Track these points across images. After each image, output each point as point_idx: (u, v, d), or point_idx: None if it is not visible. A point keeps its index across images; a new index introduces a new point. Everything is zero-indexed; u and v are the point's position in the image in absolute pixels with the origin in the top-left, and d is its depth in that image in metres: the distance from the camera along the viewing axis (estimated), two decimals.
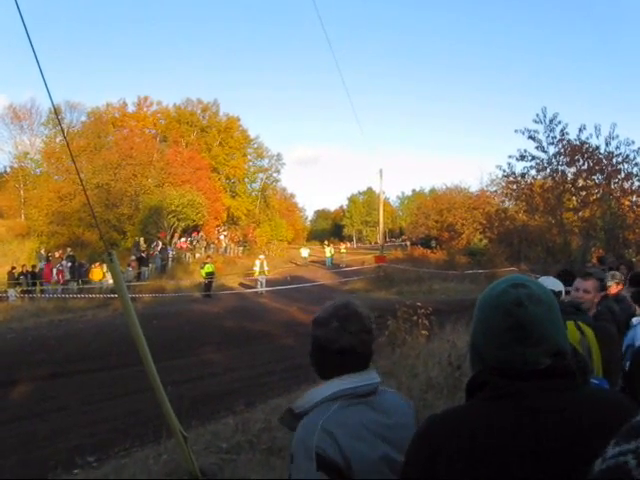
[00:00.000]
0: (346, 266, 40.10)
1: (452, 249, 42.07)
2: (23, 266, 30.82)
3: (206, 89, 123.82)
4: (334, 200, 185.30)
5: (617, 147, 25.15)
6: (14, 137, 50.37)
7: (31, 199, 45.02)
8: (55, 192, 42.60)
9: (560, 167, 26.58)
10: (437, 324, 12.19)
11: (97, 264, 29.31)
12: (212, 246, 44.60)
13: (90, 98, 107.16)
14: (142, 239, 37.88)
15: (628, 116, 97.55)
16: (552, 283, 4.59)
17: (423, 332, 11.66)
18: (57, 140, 47.72)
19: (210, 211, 46.60)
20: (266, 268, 30.47)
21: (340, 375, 2.08)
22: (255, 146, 63.06)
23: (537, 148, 26.14)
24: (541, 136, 25.85)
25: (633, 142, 24.88)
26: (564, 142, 25.90)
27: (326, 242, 51.41)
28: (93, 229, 39.70)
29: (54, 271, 30.55)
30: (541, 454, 1.35)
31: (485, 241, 36.83)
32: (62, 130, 51.76)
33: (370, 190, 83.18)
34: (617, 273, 7.22)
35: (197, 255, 39.76)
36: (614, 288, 6.65)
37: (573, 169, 26.64)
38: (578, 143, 25.85)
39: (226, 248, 46.67)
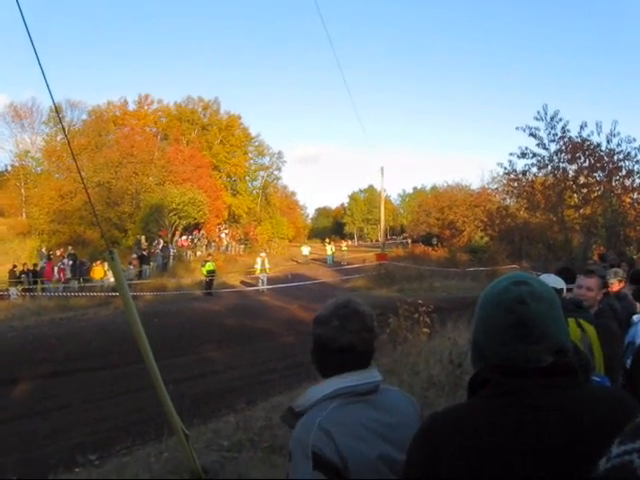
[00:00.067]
0: (347, 264, 40.06)
1: (453, 247, 41.99)
2: (24, 264, 30.83)
3: (207, 87, 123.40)
4: (335, 198, 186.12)
5: (618, 144, 25.18)
6: (15, 135, 50.44)
7: (32, 197, 45.05)
8: (56, 190, 42.61)
9: (561, 164, 26.61)
10: (438, 322, 12.20)
11: (98, 262, 29.30)
12: (213, 244, 44.58)
13: (91, 96, 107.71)
14: (143, 237, 37.85)
15: (629, 113, 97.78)
16: (553, 280, 4.58)
17: (424, 330, 11.66)
18: (58, 138, 47.73)
19: (211, 209, 46.56)
20: (267, 266, 30.51)
21: (341, 373, 2.07)
22: (256, 144, 63.01)
23: (538, 145, 26.17)
24: (542, 133, 25.88)
25: (634, 139, 24.92)
26: (565, 139, 25.91)
27: (327, 240, 51.41)
28: (94, 227, 39.68)
29: (55, 269, 30.53)
30: (543, 452, 1.35)
31: (486, 239, 36.86)
32: (63, 128, 51.70)
33: (371, 188, 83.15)
34: (620, 270, 7.21)
35: (198, 253, 39.75)
36: (616, 285, 6.64)
37: (574, 166, 26.66)
38: (579, 140, 25.86)
39: (227, 246, 46.69)
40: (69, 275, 30.26)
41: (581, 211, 26.95)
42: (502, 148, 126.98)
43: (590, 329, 4.05)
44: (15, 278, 28.62)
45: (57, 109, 39.19)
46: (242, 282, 32.30)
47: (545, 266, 22.53)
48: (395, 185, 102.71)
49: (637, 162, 25.05)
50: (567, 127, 25.68)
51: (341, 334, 2.08)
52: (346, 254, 46.52)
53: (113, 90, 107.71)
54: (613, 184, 25.99)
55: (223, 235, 48.39)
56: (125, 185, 43.66)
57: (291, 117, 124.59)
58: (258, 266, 30.25)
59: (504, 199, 35.53)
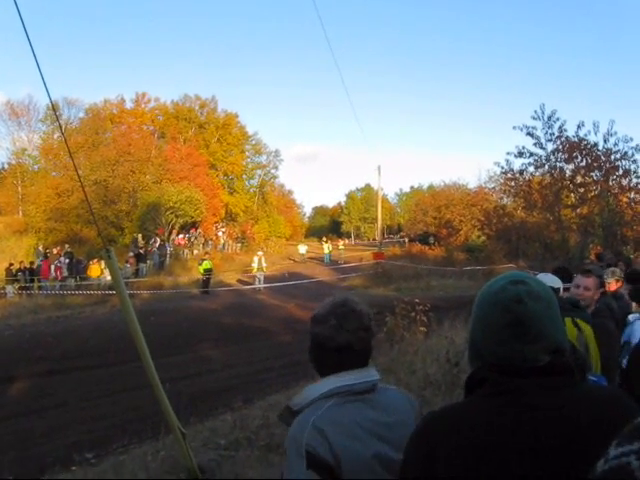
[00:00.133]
0: (344, 262, 40.08)
1: (450, 246, 42.06)
2: (21, 262, 30.73)
3: (204, 85, 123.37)
4: (332, 197, 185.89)
5: (615, 144, 25.32)
6: (12, 133, 50.20)
7: (29, 195, 44.90)
8: (53, 188, 42.46)
9: (558, 164, 26.71)
10: (435, 321, 12.20)
11: (95, 260, 29.24)
12: (210, 243, 44.51)
13: (88, 94, 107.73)
14: (140, 236, 37.75)
15: (627, 113, 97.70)
16: (550, 280, 4.58)
17: (421, 329, 11.66)
18: (55, 136, 47.56)
19: (208, 207, 46.48)
20: (264, 265, 30.49)
21: (338, 372, 2.07)
22: (253, 143, 62.80)
23: (535, 145, 26.32)
24: (539, 133, 26.03)
25: (631, 139, 25.06)
26: (562, 139, 26.02)
27: (324, 239, 51.32)
28: (91, 225, 39.55)
29: (52, 267, 30.47)
30: (540, 451, 1.35)
31: (483, 238, 36.97)
32: (60, 126, 51.72)
33: (368, 187, 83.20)
34: (617, 270, 7.21)
35: (195, 252, 39.68)
36: (614, 285, 6.66)
37: (571, 166, 26.76)
38: (576, 140, 25.96)
39: (224, 245, 46.63)
40: (66, 273, 30.20)
41: (578, 210, 27.03)
42: (499, 148, 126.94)
43: (587, 328, 4.06)
44: (12, 276, 28.53)
45: (54, 107, 39.09)
46: (239, 281, 32.30)
47: (542, 265, 22.60)
48: (392, 184, 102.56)
49: (634, 162, 25.20)
50: (564, 127, 25.87)
51: (339, 333, 2.08)
52: (343, 253, 46.52)
53: (110, 88, 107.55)
54: (610, 184, 26.07)
55: (220, 233, 48.30)
56: (122, 183, 43.54)
57: (289, 116, 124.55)
58: (255, 265, 30.22)
59: (501, 198, 35.70)
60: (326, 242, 47.77)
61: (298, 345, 14.17)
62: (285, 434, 2.07)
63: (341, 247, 48.93)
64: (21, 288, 27.29)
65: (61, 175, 44.19)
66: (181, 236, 41.70)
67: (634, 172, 25.35)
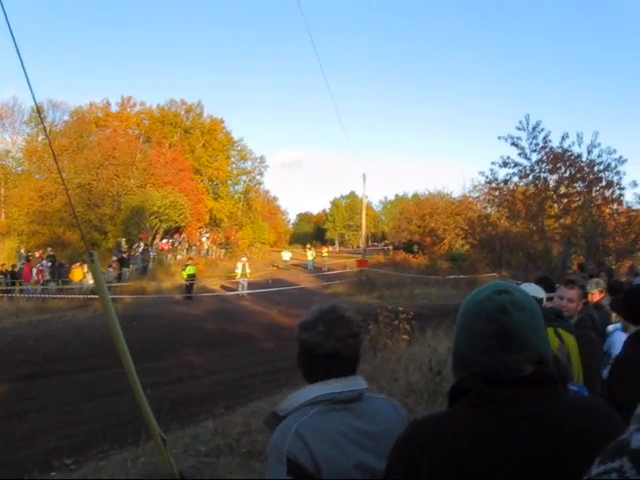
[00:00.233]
0: (328, 270, 40.15)
1: (434, 254, 42.15)
2: (2, 265, 30.48)
3: (190, 90, 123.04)
4: (317, 204, 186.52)
5: (599, 155, 25.50)
6: None
7: (12, 198, 44.58)
8: (36, 191, 42.23)
9: (542, 174, 26.86)
10: (418, 329, 12.21)
11: (78, 264, 29.10)
12: (194, 248, 44.42)
13: (73, 97, 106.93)
14: (123, 240, 37.57)
15: (610, 125, 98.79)
16: (534, 290, 4.61)
17: (404, 337, 11.68)
18: (39, 139, 47.37)
19: (192, 213, 46.37)
20: (248, 271, 30.40)
21: (326, 379, 2.07)
22: (239, 148, 62.78)
23: (520, 155, 26.44)
24: (524, 143, 26.15)
25: (615, 151, 25.26)
26: (547, 149, 26.17)
27: (308, 245, 51.32)
28: (74, 229, 39.31)
29: (34, 271, 30.24)
30: (523, 461, 1.35)
31: (467, 247, 37.07)
32: (44, 129, 51.41)
33: (353, 194, 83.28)
34: (601, 281, 7.27)
35: (179, 257, 39.60)
36: (597, 296, 6.71)
37: (555, 176, 26.91)
38: (560, 151, 26.14)
39: (208, 250, 46.56)
40: (48, 277, 29.98)
41: (561, 221, 27.19)
42: (484, 157, 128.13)
43: (569, 338, 4.08)
44: None
45: (39, 109, 38.98)
46: (222, 286, 32.22)
47: (525, 275, 22.70)
48: (377, 192, 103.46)
49: (617, 173, 25.37)
50: (548, 137, 26.00)
51: (327, 340, 2.07)
52: (327, 260, 46.51)
53: (96, 92, 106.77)
54: (593, 195, 26.27)
55: (204, 239, 48.21)
56: (106, 187, 43.39)
57: (274, 122, 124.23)
58: (239, 271, 30.15)
59: (485, 208, 35.81)
60: (310, 249, 47.74)
61: (281, 352, 14.19)
62: (267, 441, 2.06)
63: (325, 254, 48.89)
64: (2, 291, 27.06)
65: (45, 178, 43.97)
66: (165, 241, 41.52)
67: (617, 184, 25.56)
